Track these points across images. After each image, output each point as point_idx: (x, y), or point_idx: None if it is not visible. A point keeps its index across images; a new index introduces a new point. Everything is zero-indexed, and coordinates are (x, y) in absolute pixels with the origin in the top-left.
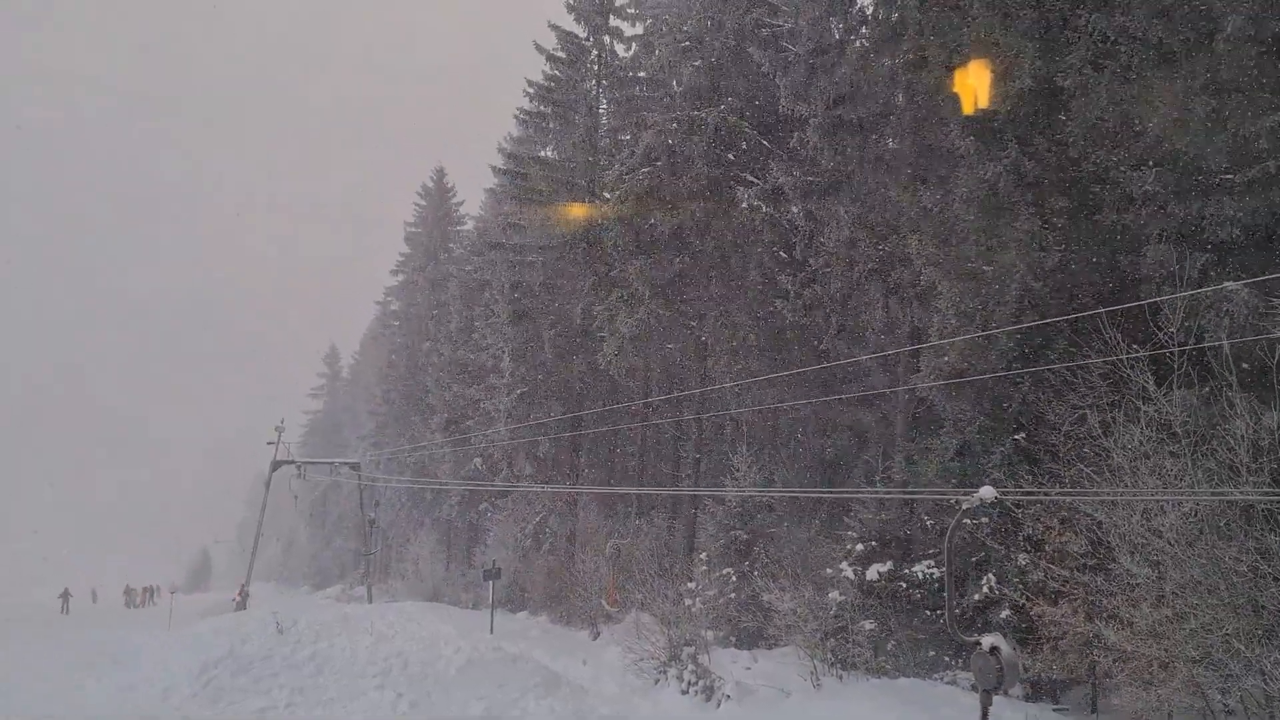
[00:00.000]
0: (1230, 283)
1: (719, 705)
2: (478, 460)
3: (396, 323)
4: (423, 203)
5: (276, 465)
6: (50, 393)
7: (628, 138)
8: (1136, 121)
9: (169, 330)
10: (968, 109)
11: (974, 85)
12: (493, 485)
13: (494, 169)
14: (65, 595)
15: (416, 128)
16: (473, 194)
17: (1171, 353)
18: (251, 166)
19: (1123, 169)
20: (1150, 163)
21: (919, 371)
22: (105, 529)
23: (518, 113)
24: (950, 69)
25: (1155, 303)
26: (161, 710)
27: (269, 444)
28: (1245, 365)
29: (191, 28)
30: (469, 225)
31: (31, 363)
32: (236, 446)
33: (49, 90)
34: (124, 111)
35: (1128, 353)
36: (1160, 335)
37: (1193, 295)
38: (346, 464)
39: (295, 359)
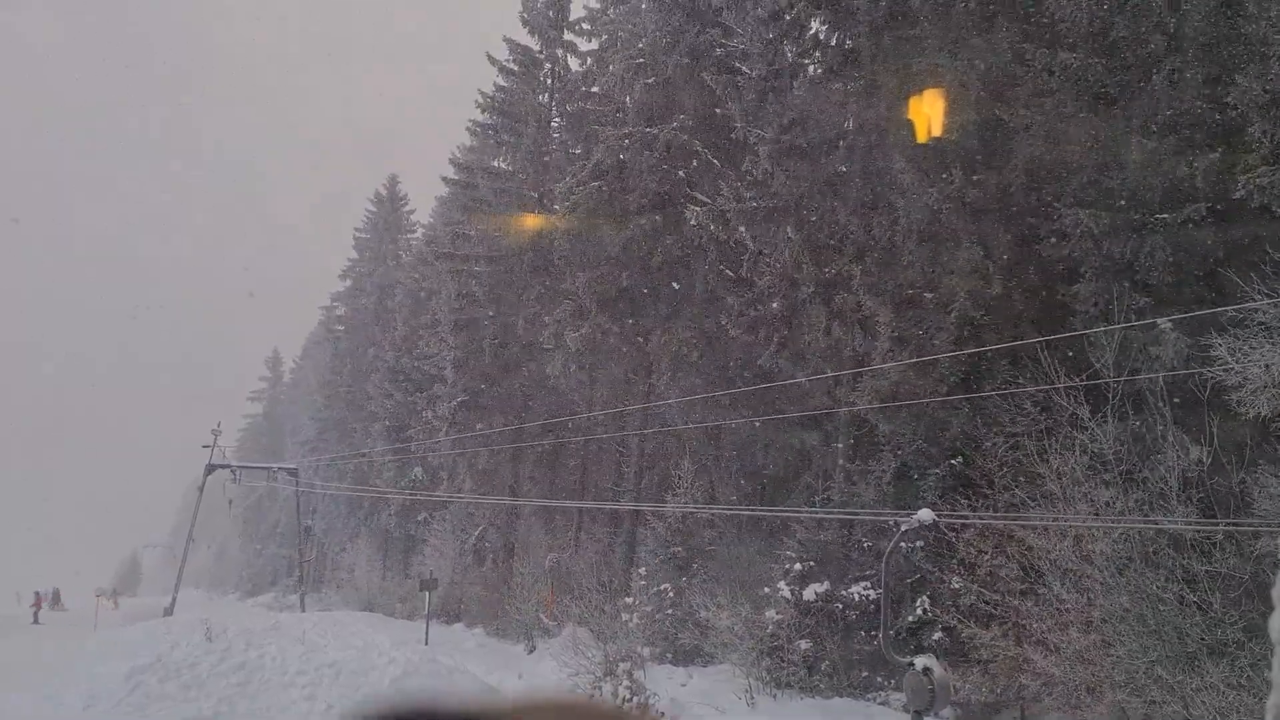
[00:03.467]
0: (1162, 320)
1: None
2: (419, 470)
3: (341, 328)
4: (374, 209)
5: (211, 469)
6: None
7: (579, 151)
8: (1074, 158)
9: (103, 327)
10: (920, 137)
11: (927, 114)
12: (432, 495)
13: (445, 179)
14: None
15: (375, 132)
16: (424, 203)
17: (1107, 385)
18: (195, 161)
19: (1060, 205)
20: (1086, 200)
21: (859, 394)
22: (29, 530)
23: (470, 124)
24: (900, 97)
25: (1090, 336)
26: (83, 717)
27: (204, 447)
28: (1177, 400)
29: (147, 29)
30: (419, 234)
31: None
32: (171, 449)
33: None
34: (72, 107)
35: (1063, 382)
36: (1096, 366)
37: (1125, 331)
38: (284, 469)
39: (236, 360)
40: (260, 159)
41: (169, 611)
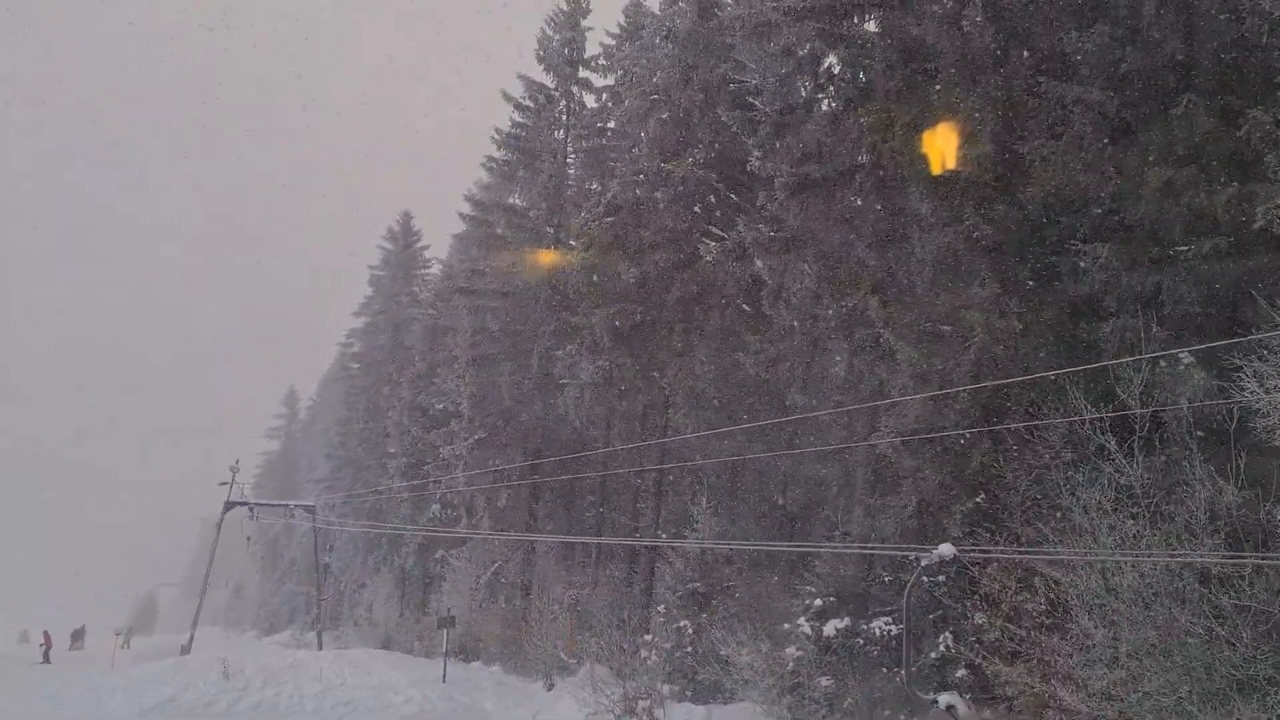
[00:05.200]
0: (1183, 351)
1: None
2: (436, 507)
3: (357, 365)
4: (388, 246)
5: (229, 506)
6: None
7: (594, 187)
8: (1092, 190)
9: (120, 368)
10: (935, 169)
11: (941, 148)
12: (448, 532)
13: (461, 215)
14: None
15: (387, 170)
16: (440, 239)
17: (1133, 417)
18: (213, 200)
19: (1077, 240)
20: (1105, 232)
21: (878, 429)
22: (49, 571)
23: (485, 160)
24: (916, 131)
25: (1115, 369)
26: None
27: (222, 484)
28: (1201, 433)
29: (157, 50)
30: (435, 269)
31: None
32: (189, 488)
33: None
34: (71, 134)
35: (1090, 414)
36: (1122, 397)
37: (1152, 364)
38: (301, 506)
39: (253, 400)
40: (296, 158)
41: (186, 650)
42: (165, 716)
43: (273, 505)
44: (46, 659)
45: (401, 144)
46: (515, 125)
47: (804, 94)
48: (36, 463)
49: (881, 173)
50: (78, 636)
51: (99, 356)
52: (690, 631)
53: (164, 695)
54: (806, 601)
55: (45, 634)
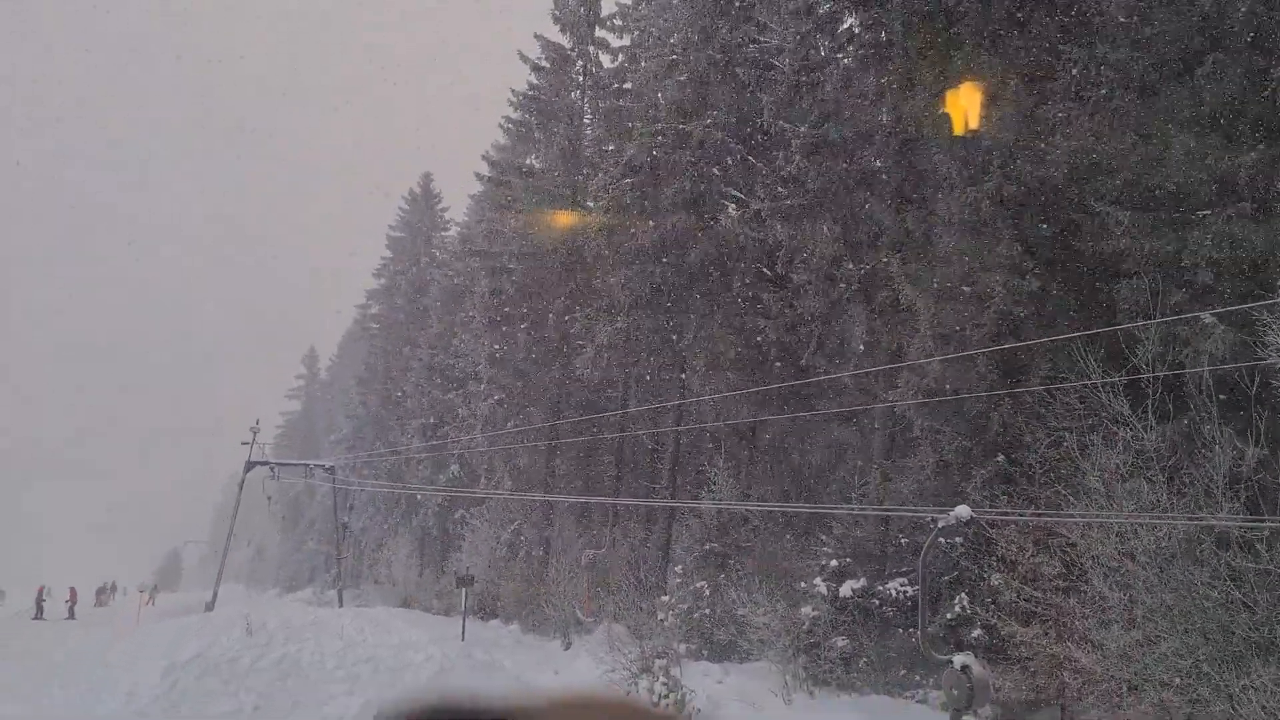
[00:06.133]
0: (1205, 315)
1: (690, 718)
2: (455, 467)
3: (376, 326)
4: (407, 207)
5: (250, 466)
6: (25, 389)
7: (611, 148)
8: (1115, 152)
9: (120, 368)
10: (958, 129)
11: (964, 107)
12: (467, 492)
13: (478, 176)
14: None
15: (407, 130)
16: (459, 200)
17: (1148, 381)
18: (213, 200)
19: (1100, 202)
20: (1127, 198)
21: (896, 390)
22: (76, 529)
23: (503, 121)
24: (936, 92)
25: (1131, 331)
26: (124, 713)
27: (243, 444)
28: (1223, 396)
29: (156, 50)
30: (453, 231)
31: (3, 358)
32: (211, 447)
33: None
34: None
35: (1104, 378)
36: (1134, 361)
37: (1168, 327)
38: (321, 466)
39: (274, 359)
40: (296, 158)
41: (210, 606)
42: (191, 671)
43: (293, 465)
44: (72, 615)
45: (402, 142)
46: (531, 86)
47: (823, 54)
48: (63, 424)
49: (901, 133)
50: (103, 593)
51: (99, 356)
52: (707, 592)
53: (191, 650)
54: (823, 562)
55: (71, 590)
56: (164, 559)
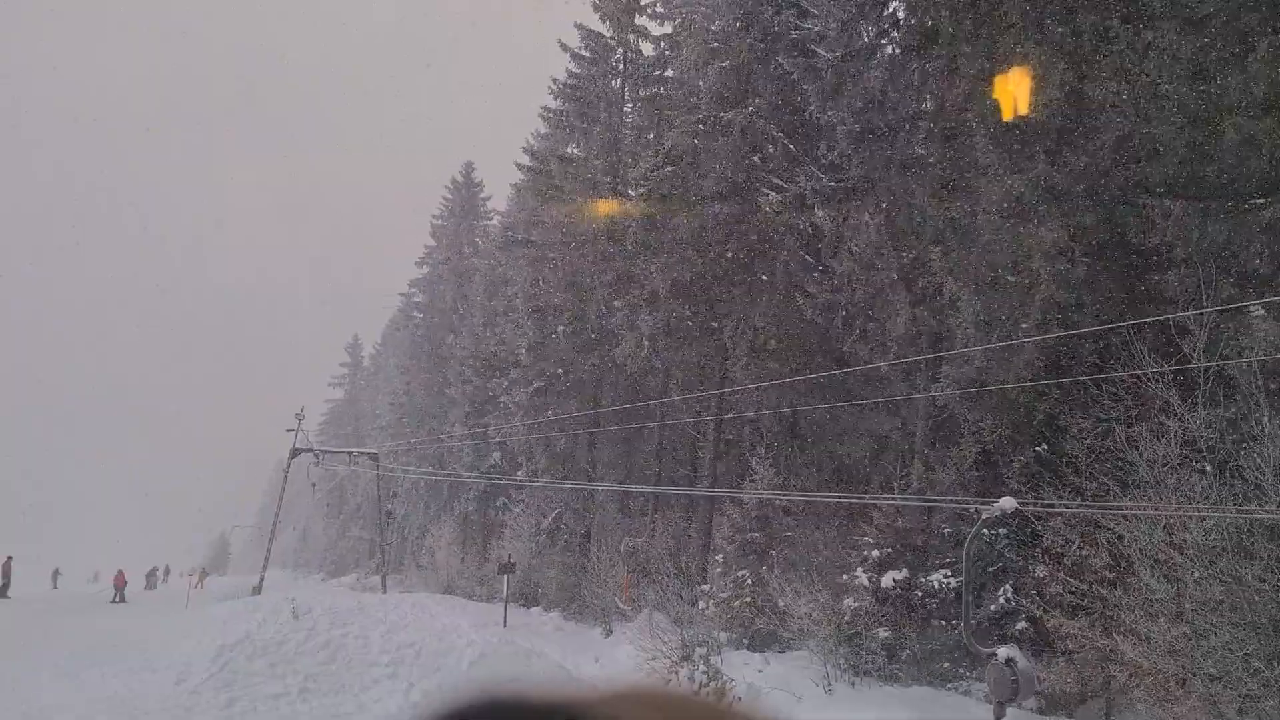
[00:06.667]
0: (1253, 303)
1: (730, 707)
2: (497, 454)
3: (419, 314)
4: (450, 196)
5: (295, 453)
6: (79, 376)
7: (652, 137)
8: (1166, 138)
9: (197, 317)
10: (1006, 115)
11: (1011, 92)
12: (508, 479)
13: (519, 165)
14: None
15: (449, 120)
16: (500, 189)
17: (1197, 371)
18: (280, 155)
19: (1147, 191)
20: (1177, 185)
21: (939, 379)
22: (127, 512)
23: (542, 111)
24: (982, 76)
25: (1181, 321)
26: (175, 693)
27: (288, 431)
28: (1274, 386)
29: (228, 22)
30: (495, 220)
31: (61, 348)
32: (259, 433)
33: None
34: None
35: (1153, 368)
36: (1185, 351)
37: (1217, 318)
38: (365, 453)
39: (319, 346)
40: (341, 151)
41: (257, 590)
42: (241, 653)
43: (337, 452)
44: (122, 598)
45: (446, 130)
46: (571, 75)
47: (867, 40)
48: (118, 409)
49: (945, 119)
50: (153, 576)
51: (178, 306)
52: (748, 581)
53: (239, 633)
54: (864, 553)
55: (119, 573)
56: (213, 543)
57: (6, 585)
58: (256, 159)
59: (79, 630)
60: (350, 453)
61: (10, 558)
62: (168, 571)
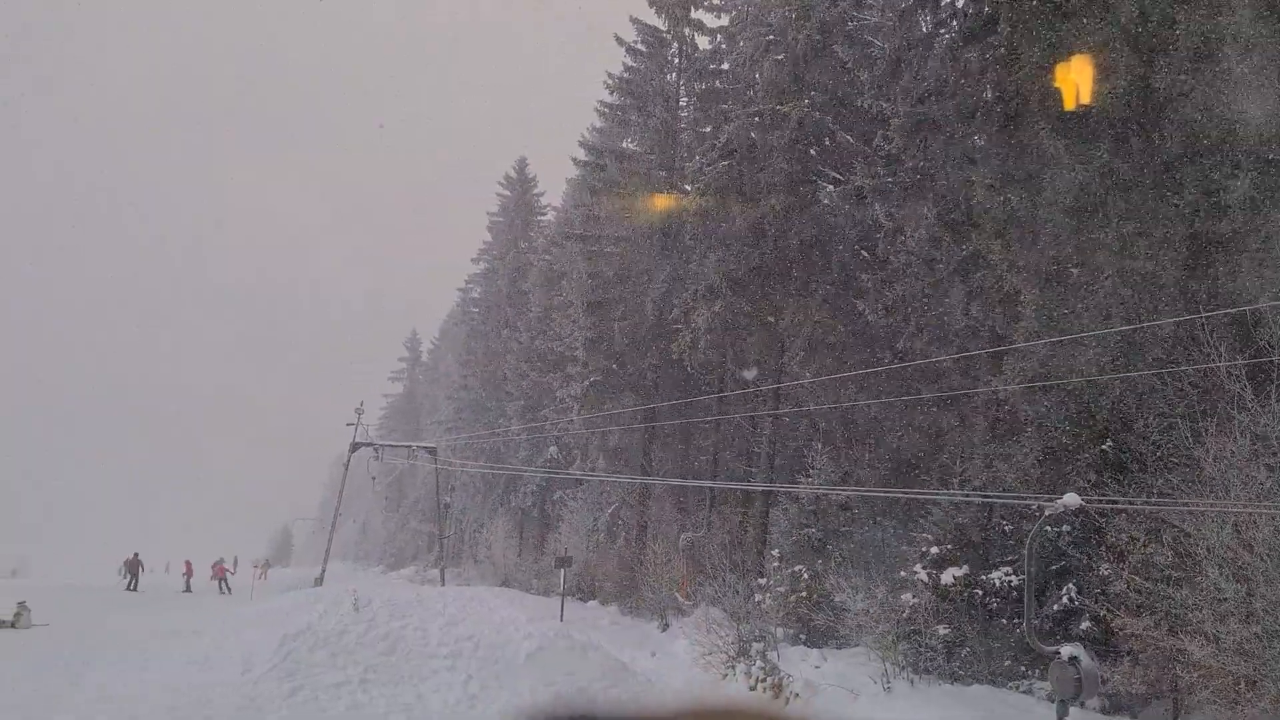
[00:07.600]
0: None
1: (787, 703)
2: (553, 448)
3: (476, 309)
4: (506, 192)
5: (355, 447)
6: (79, 376)
7: (708, 130)
8: (1235, 127)
9: (265, 314)
10: (1069, 105)
11: (1074, 80)
12: (565, 474)
13: (574, 160)
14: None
15: (505, 117)
16: (555, 185)
17: (1272, 364)
18: (280, 155)
19: (1219, 176)
20: (1247, 174)
21: (1000, 374)
22: (197, 504)
23: (598, 105)
24: (1043, 66)
25: (1256, 311)
26: (240, 682)
27: (349, 425)
28: None
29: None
30: (550, 216)
31: (61, 348)
32: (322, 426)
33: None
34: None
35: (1224, 360)
36: (1260, 344)
37: None
38: (423, 448)
39: (380, 341)
40: (341, 151)
41: (319, 582)
42: (303, 643)
43: (396, 446)
44: (189, 588)
45: (502, 126)
46: (627, 70)
47: (924, 29)
48: (189, 404)
49: (1005, 110)
50: (232, 565)
51: (247, 303)
52: (805, 576)
53: (302, 624)
54: (923, 549)
55: (187, 564)
56: (276, 535)
57: (135, 580)
58: (256, 159)
59: (153, 620)
60: (409, 447)
61: (137, 553)
62: (235, 562)
